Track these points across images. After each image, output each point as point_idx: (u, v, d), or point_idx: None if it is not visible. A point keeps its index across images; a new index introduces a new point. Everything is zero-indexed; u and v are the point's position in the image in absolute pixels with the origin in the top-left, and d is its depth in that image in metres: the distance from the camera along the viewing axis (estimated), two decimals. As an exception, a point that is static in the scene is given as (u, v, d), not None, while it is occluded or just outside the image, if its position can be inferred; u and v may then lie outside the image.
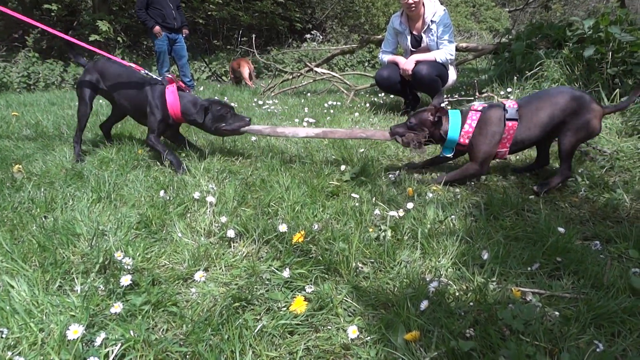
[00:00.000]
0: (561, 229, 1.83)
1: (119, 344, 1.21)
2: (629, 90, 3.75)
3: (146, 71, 3.15)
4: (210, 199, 2.14)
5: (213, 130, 3.00)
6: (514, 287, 1.50)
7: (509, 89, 4.71)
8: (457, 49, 6.43)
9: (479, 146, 2.47)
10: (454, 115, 2.54)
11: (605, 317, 1.33)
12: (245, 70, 9.65)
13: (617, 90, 3.80)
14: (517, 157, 3.08)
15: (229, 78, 10.68)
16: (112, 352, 1.19)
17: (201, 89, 9.17)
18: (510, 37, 5.79)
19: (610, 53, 4.00)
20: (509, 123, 2.42)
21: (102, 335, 1.23)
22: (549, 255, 1.70)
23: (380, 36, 6.76)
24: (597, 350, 1.18)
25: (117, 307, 1.35)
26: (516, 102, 2.47)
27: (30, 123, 4.60)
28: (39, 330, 1.30)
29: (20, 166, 2.90)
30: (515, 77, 4.76)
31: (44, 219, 2.12)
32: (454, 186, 2.53)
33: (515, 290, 1.48)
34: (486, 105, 2.54)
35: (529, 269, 1.63)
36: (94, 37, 10.96)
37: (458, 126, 2.51)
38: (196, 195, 2.26)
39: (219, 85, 10.40)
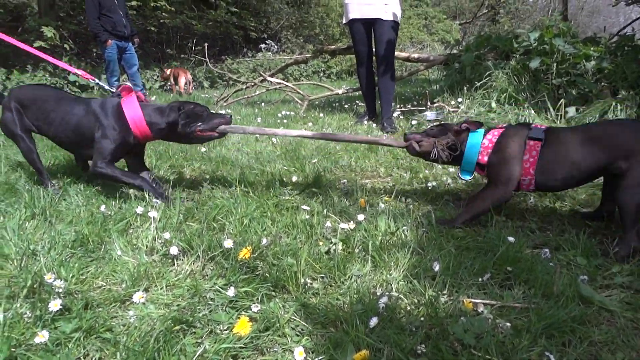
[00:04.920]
0: (511, 238, 1.83)
1: (41, 379, 1.10)
2: (573, 101, 3.88)
3: (97, 81, 2.77)
4: (153, 213, 2.03)
5: (188, 134, 2.42)
6: (466, 299, 1.48)
7: (459, 99, 4.80)
8: (409, 60, 6.56)
9: (498, 166, 2.10)
10: (476, 132, 2.21)
11: (555, 326, 1.32)
12: (182, 80, 10.02)
13: (562, 100, 3.92)
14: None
15: (168, 85, 10.86)
16: (33, 388, 1.08)
17: (153, 98, 8.94)
18: (460, 48, 5.92)
19: (555, 64, 4.14)
20: (531, 142, 2.04)
21: (21, 369, 1.11)
22: (500, 265, 1.69)
23: (334, 47, 6.78)
24: (549, 362, 1.16)
25: (41, 337, 1.23)
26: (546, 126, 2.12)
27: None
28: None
29: (-52, 181, 2.70)
30: (465, 88, 4.85)
31: (-31, 238, 1.96)
32: (405, 197, 2.51)
33: (467, 302, 1.46)
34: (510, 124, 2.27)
35: (480, 279, 1.61)
36: (39, 43, 10.50)
37: (478, 142, 2.17)
38: (139, 210, 2.15)
39: (171, 95, 10.18)
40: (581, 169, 1.97)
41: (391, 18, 4.55)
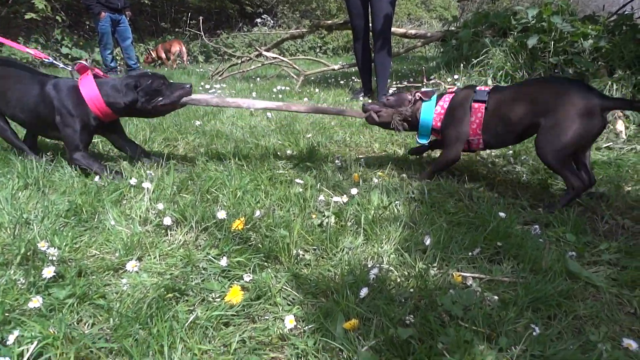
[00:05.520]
0: (502, 214, 1.85)
1: (35, 342, 1.11)
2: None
3: (50, 59, 2.53)
4: (146, 184, 2.03)
5: (150, 110, 2.36)
6: (455, 272, 1.50)
7: (455, 76, 4.77)
8: (406, 36, 6.50)
9: (448, 128, 2.30)
10: (429, 100, 2.39)
11: (542, 300, 1.34)
12: (176, 49, 9.96)
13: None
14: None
15: (157, 60, 10.74)
16: (27, 351, 1.09)
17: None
18: (457, 25, 5.86)
19: (552, 42, 4.11)
20: (475, 105, 2.21)
21: (16, 332, 1.12)
22: (490, 240, 1.71)
23: (330, 22, 6.70)
24: (534, 333, 1.19)
25: (35, 302, 1.24)
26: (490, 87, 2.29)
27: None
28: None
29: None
30: (462, 65, 4.82)
31: (-38, 207, 1.96)
32: (399, 171, 2.52)
33: (457, 275, 1.48)
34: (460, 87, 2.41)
35: (470, 253, 1.63)
36: (30, 15, 10.32)
37: (432, 109, 2.35)
38: (133, 181, 2.15)
39: (166, 69, 10.08)
40: (515, 125, 2.13)
41: None
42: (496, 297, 1.37)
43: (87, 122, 2.31)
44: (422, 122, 2.37)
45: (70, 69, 2.41)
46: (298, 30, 7.87)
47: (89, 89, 2.27)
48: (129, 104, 2.28)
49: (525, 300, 1.33)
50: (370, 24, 4.74)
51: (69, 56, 10.59)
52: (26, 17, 10.37)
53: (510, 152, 2.80)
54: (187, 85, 2.39)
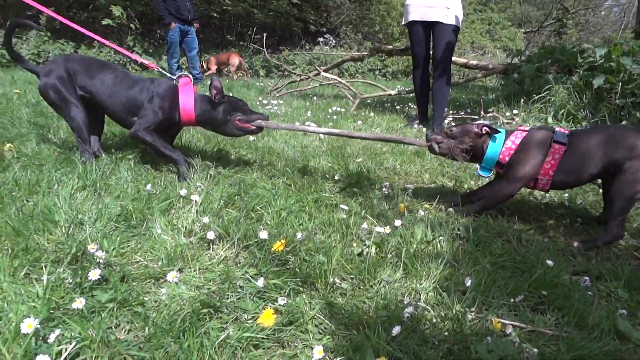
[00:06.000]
0: (550, 262, 1.77)
1: (74, 342, 1.16)
2: (635, 123, 3.70)
3: (160, 69, 2.87)
4: (195, 197, 2.09)
5: (228, 121, 2.58)
6: (495, 319, 1.45)
7: (514, 111, 4.66)
8: (467, 66, 6.42)
9: (517, 164, 2.25)
10: (498, 135, 2.34)
11: (585, 359, 1.28)
12: (235, 60, 10.02)
13: (624, 122, 3.75)
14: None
15: (207, 72, 10.91)
16: (65, 351, 1.14)
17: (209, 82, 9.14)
18: (521, 58, 5.74)
19: (620, 84, 3.95)
20: (555, 145, 2.18)
21: (57, 331, 1.17)
22: (535, 288, 1.64)
23: (391, 46, 6.71)
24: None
25: (79, 303, 1.29)
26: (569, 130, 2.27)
27: (30, 102, 4.56)
28: (-4, 319, 1.25)
29: (12, 145, 2.86)
30: (522, 100, 4.71)
31: (25, 202, 2.08)
32: (447, 204, 2.47)
33: (496, 322, 1.43)
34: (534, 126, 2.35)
35: (512, 300, 1.57)
36: (107, 21, 10.96)
37: (500, 142, 2.31)
38: (182, 192, 2.21)
39: (227, 81, 10.38)
40: (594, 167, 2.13)
41: (453, 22, 4.46)
42: (536, 350, 1.31)
43: (171, 117, 2.59)
44: (488, 154, 2.33)
45: (174, 78, 2.67)
46: (359, 53, 7.94)
47: (187, 97, 2.57)
48: (213, 109, 2.59)
49: (567, 357, 1.27)
50: (431, 52, 4.72)
51: (138, 62, 11.11)
52: (103, 23, 11.02)
53: (567, 195, 2.70)
54: (265, 114, 2.66)
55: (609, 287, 1.72)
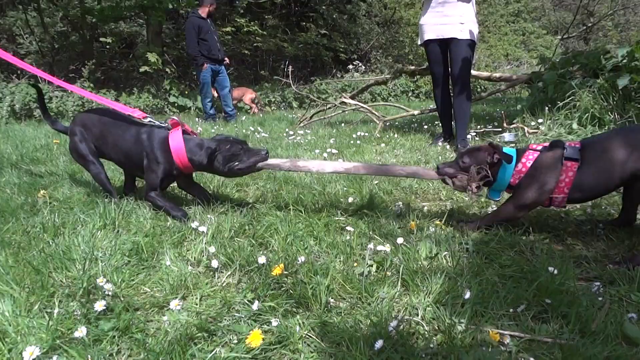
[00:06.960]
0: (552, 269, 1.73)
1: (71, 370, 1.24)
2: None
3: (151, 118, 2.79)
4: (202, 228, 2.18)
5: (227, 172, 2.57)
6: (492, 329, 1.43)
7: (540, 120, 4.58)
8: (490, 80, 6.36)
9: (526, 190, 2.18)
10: (510, 154, 2.25)
11: (585, 366, 1.25)
12: (247, 98, 10.26)
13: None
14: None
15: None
16: (62, 378, 1.22)
17: (243, 118, 9.42)
18: (545, 66, 5.66)
19: (645, 83, 3.84)
20: (568, 163, 2.09)
21: (55, 358, 1.26)
22: (538, 296, 1.61)
23: (413, 67, 6.75)
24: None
25: (80, 332, 1.38)
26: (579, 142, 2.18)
27: (67, 151, 4.84)
28: (7, 351, 1.35)
29: (45, 192, 3.05)
30: (547, 108, 4.62)
31: (50, 243, 2.22)
32: (457, 220, 2.46)
33: (493, 333, 1.41)
34: (547, 144, 2.25)
35: (511, 310, 1.55)
36: (144, 68, 11.54)
37: (512, 167, 2.22)
38: (194, 224, 2.31)
39: (261, 115, 10.65)
40: (615, 176, 2.03)
41: (467, 37, 4.47)
42: (532, 359, 1.30)
43: (169, 171, 2.59)
44: (499, 180, 2.26)
45: (163, 124, 2.68)
46: (381, 77, 8.02)
47: (176, 142, 2.53)
48: (207, 164, 2.53)
49: (563, 364, 1.25)
50: (450, 69, 4.73)
51: (176, 104, 11.58)
52: (140, 70, 11.61)
53: (590, 202, 2.61)
54: (264, 152, 2.54)
55: (621, 292, 1.67)
